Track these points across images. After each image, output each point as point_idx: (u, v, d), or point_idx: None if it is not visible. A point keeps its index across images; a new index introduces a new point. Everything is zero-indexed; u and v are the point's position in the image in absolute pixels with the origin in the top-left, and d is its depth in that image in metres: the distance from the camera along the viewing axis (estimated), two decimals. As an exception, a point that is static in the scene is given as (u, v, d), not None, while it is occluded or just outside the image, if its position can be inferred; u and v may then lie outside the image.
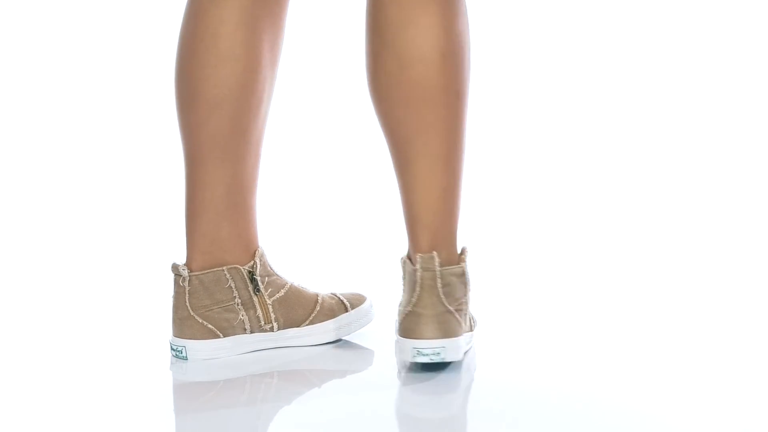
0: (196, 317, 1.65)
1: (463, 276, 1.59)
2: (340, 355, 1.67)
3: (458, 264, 1.59)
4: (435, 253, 1.58)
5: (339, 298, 1.74)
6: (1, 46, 3.26)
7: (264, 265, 1.68)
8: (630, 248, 2.51)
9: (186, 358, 1.65)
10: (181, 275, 1.65)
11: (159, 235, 2.68)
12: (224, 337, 1.66)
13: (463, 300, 1.59)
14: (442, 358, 1.56)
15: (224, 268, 1.66)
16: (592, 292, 2.11)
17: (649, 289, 2.12)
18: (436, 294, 1.57)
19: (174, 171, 3.02)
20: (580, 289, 2.14)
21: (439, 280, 1.58)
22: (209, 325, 1.65)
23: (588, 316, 1.85)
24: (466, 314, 1.60)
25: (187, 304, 1.65)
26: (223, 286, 1.66)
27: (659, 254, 2.45)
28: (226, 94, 1.63)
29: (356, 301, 1.75)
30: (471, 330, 1.62)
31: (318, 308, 1.71)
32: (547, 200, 2.97)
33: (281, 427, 1.41)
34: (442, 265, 1.58)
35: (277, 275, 1.70)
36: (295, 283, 1.72)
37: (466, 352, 1.60)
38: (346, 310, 1.73)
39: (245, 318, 1.67)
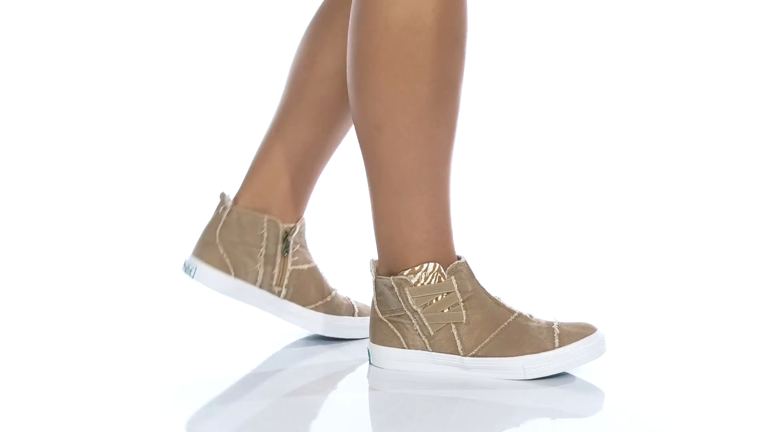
0: (219, 246, 1.67)
1: (393, 290, 1.55)
2: (346, 352, 1.68)
3: (396, 275, 1.56)
4: (372, 259, 1.60)
5: (352, 301, 1.74)
6: (6, 48, 3.26)
7: (301, 234, 1.69)
8: (628, 249, 2.52)
9: (192, 277, 1.68)
10: (224, 204, 1.68)
11: (158, 236, 2.69)
12: (234, 276, 1.68)
13: (402, 314, 1.56)
14: (371, 362, 1.59)
15: (266, 216, 1.68)
16: (590, 293, 2.12)
17: (647, 290, 2.13)
18: (372, 299, 1.59)
19: (174, 172, 3.03)
20: (579, 290, 2.15)
21: (373, 286, 1.59)
22: (226, 259, 1.67)
23: (585, 316, 1.85)
24: (409, 329, 1.56)
25: (217, 232, 1.68)
26: (256, 232, 1.67)
27: (656, 254, 2.46)
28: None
29: (366, 311, 1.74)
30: (425, 348, 1.56)
31: (329, 299, 1.71)
32: (544, 202, 2.98)
33: (284, 427, 1.40)
34: (379, 273, 1.59)
35: (308, 252, 1.71)
36: (320, 269, 1.72)
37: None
38: (352, 315, 1.73)
39: (261, 270, 1.68)
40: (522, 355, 1.51)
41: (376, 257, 1.60)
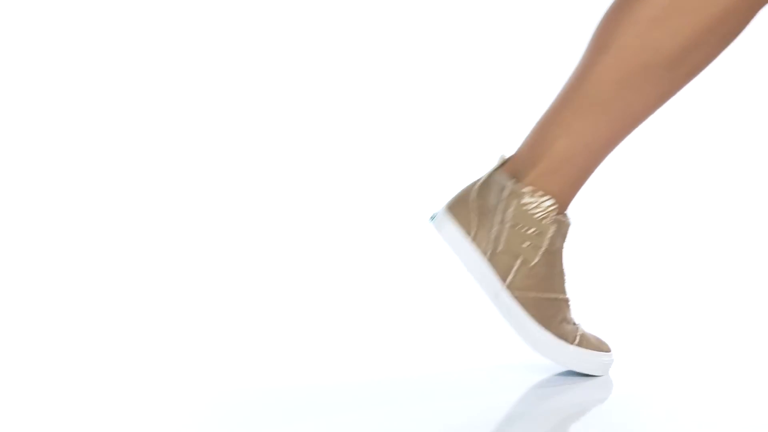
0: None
1: (503, 192, 1.52)
2: (346, 352, 1.67)
3: (518, 181, 1.53)
4: (503, 154, 1.57)
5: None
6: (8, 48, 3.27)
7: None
8: (629, 252, 2.52)
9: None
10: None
11: (159, 236, 2.69)
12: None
13: (493, 213, 1.53)
14: (432, 220, 1.56)
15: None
16: (591, 295, 2.12)
17: (648, 291, 2.13)
18: (477, 180, 1.56)
19: (174, 172, 3.02)
20: (579, 292, 2.14)
21: (487, 172, 1.56)
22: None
23: (586, 318, 1.86)
24: (486, 227, 1.53)
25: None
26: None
27: (657, 257, 2.45)
28: None
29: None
30: (484, 253, 1.53)
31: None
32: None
33: (285, 427, 1.40)
34: (503, 168, 1.56)
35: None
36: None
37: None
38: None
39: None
40: (546, 330, 1.51)
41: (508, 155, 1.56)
